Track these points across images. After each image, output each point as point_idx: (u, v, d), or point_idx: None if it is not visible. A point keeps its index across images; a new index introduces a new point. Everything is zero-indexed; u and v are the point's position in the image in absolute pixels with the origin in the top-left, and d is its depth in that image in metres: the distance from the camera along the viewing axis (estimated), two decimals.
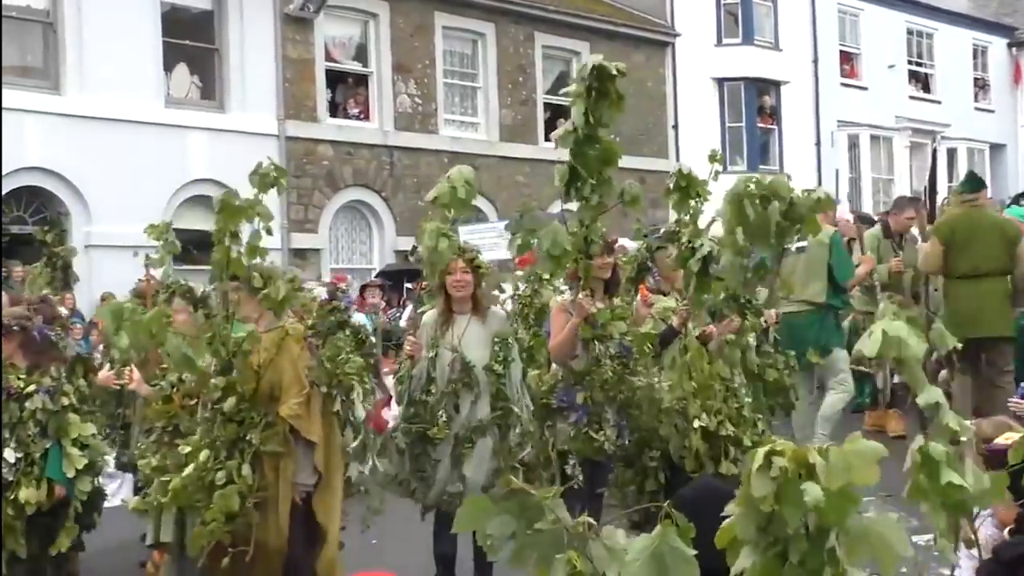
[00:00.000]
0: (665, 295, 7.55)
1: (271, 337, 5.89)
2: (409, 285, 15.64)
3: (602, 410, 6.43)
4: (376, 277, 17.44)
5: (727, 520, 1.68)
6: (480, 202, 22.44)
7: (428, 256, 6.33)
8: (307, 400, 5.85)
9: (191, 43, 19.32)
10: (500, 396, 6.36)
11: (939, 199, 15.56)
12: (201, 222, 19.19)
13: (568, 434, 6.39)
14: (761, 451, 1.56)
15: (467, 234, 18.50)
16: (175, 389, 6.36)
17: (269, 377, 5.79)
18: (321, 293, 12.66)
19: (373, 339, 11.39)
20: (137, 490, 7.37)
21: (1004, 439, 4.36)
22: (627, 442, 6.52)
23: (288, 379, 5.82)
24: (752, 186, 6.16)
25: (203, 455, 5.61)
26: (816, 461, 1.50)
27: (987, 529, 4.50)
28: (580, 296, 6.37)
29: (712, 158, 7.80)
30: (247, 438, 5.69)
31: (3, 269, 15.30)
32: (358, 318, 12.13)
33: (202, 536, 5.52)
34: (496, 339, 6.45)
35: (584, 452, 6.36)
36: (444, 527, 6.40)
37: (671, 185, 6.92)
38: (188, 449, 5.69)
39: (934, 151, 18.67)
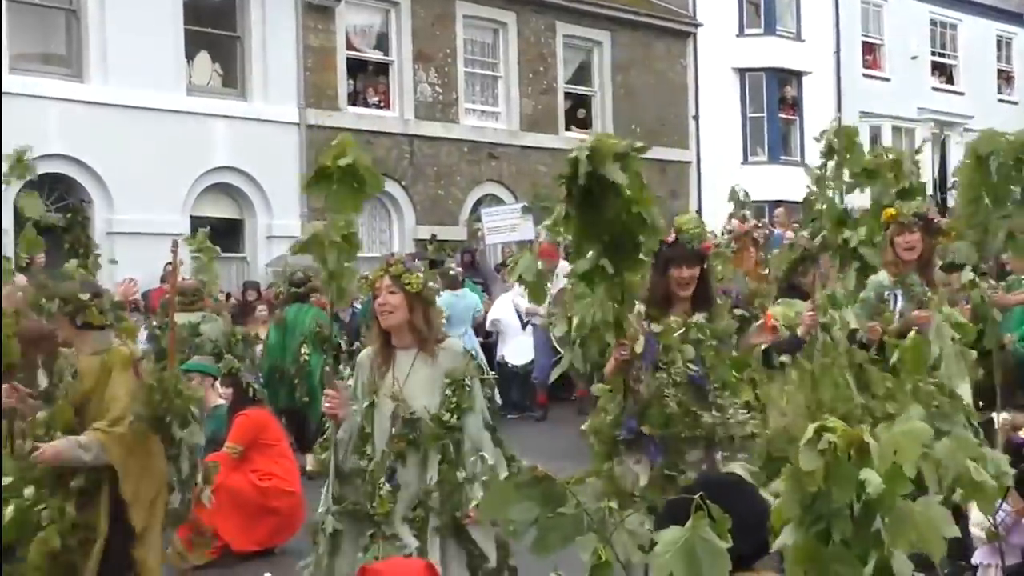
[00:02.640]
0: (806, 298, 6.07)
1: (94, 363, 5.46)
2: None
3: (683, 449, 5.21)
4: None
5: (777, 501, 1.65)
6: (501, 191, 22.44)
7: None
8: (121, 423, 5.35)
9: (213, 31, 19.35)
10: (445, 455, 4.91)
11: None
12: (223, 210, 19.29)
13: (637, 478, 5.19)
14: (812, 426, 1.52)
15: (488, 216, 18.54)
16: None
17: (94, 406, 5.40)
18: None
19: None
20: None
21: None
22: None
23: (114, 405, 5.39)
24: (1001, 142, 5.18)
25: (28, 491, 5.25)
26: (870, 442, 1.46)
27: (1000, 515, 4.51)
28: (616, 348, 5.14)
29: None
30: (74, 474, 5.31)
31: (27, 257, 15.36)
32: None
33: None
34: (448, 380, 4.98)
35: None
36: None
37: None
38: (9, 480, 5.29)
39: (943, 143, 18.58)
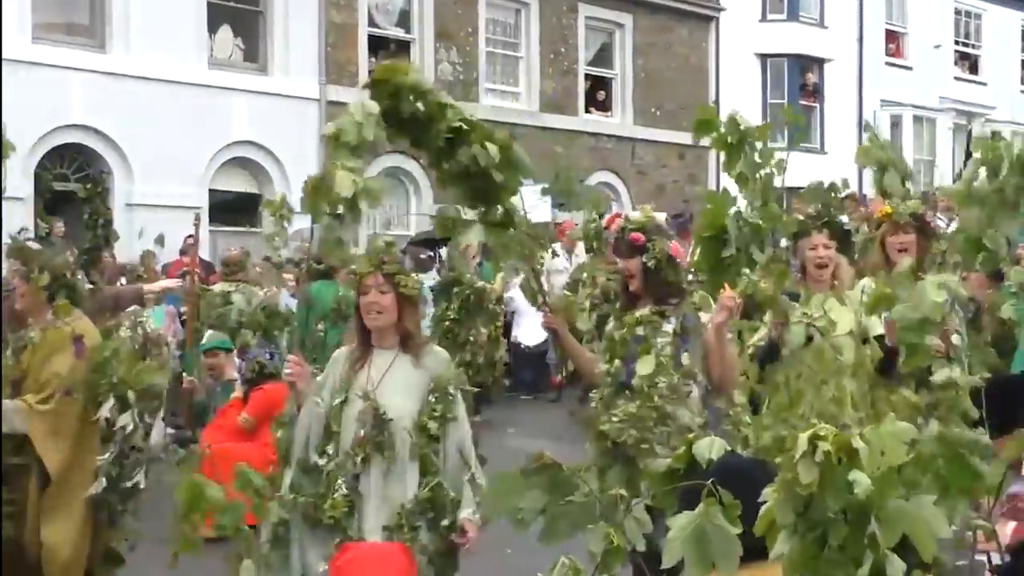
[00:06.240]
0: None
1: (46, 337, 5.37)
2: (443, 251, 15.64)
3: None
4: (409, 244, 17.44)
5: (764, 505, 1.66)
6: None
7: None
8: (50, 400, 5.25)
9: (235, 4, 19.33)
10: (428, 467, 4.53)
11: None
12: (241, 184, 19.32)
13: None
14: (804, 437, 1.54)
15: None
16: None
17: (30, 382, 5.31)
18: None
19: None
20: None
21: None
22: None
23: (48, 383, 5.30)
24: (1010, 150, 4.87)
25: None
26: (859, 446, 1.48)
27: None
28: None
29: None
30: None
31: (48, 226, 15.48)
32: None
33: None
34: (433, 387, 4.60)
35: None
36: None
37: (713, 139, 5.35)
38: None
39: (969, 132, 18.47)
